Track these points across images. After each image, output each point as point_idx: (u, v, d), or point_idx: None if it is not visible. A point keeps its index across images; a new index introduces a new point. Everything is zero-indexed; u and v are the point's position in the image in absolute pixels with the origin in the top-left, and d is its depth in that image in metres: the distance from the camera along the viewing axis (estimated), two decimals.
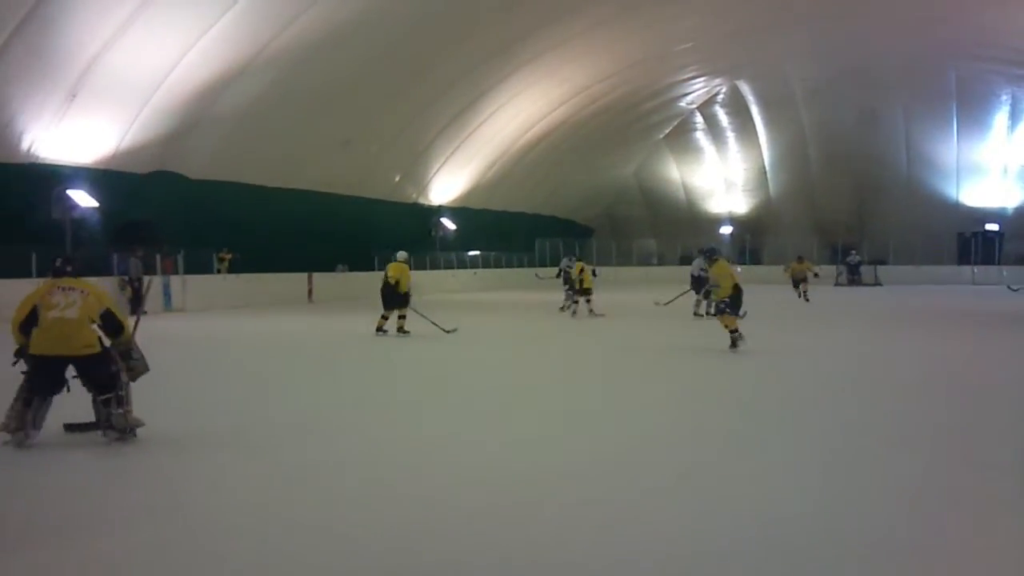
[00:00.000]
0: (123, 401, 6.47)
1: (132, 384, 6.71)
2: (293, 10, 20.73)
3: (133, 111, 20.90)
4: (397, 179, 32.35)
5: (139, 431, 6.54)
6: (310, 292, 26.95)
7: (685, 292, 19.78)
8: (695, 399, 8.95)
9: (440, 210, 35.61)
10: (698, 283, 17.85)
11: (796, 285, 26.69)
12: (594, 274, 19.94)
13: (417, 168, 33.03)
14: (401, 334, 14.70)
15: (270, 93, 23.10)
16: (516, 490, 5.38)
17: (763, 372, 10.91)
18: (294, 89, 23.57)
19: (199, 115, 22.31)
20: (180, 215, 23.20)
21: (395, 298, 14.65)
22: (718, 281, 12.40)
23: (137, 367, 6.86)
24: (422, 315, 15.09)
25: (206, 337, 15.98)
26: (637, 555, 4.23)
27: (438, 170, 33.86)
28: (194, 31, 19.73)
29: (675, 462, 6.17)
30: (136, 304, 19.26)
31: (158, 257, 22.33)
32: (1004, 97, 37.58)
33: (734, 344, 12.18)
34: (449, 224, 35.74)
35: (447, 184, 35.15)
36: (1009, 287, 20.76)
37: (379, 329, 14.82)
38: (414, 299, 15.12)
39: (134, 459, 6.23)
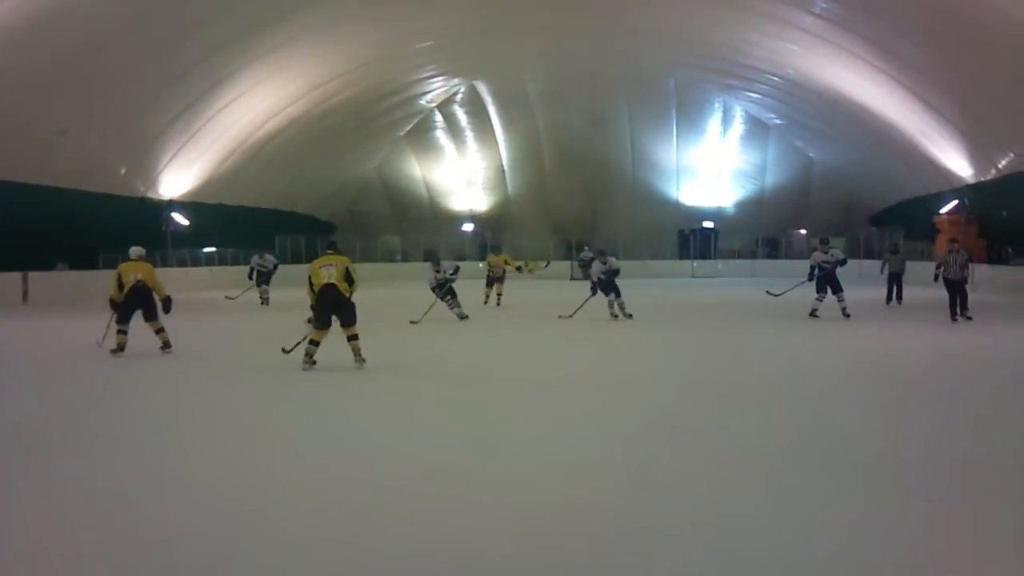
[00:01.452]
0: None
1: None
2: None
3: None
4: (123, 172, 30.39)
5: None
6: (25, 293, 24.85)
7: (800, 284, 19.35)
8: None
9: (171, 204, 33.82)
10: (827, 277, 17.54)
11: (489, 284, 23.24)
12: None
13: (145, 161, 31.13)
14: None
15: None
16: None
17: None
18: (5, 72, 21.55)
19: None
20: None
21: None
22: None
23: None
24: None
25: None
26: None
27: (168, 163, 32.10)
28: None
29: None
30: None
31: None
32: (717, 104, 40.75)
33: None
34: (181, 219, 34.04)
35: (178, 178, 33.37)
36: (769, 292, 21.28)
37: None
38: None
39: None
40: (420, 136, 45.08)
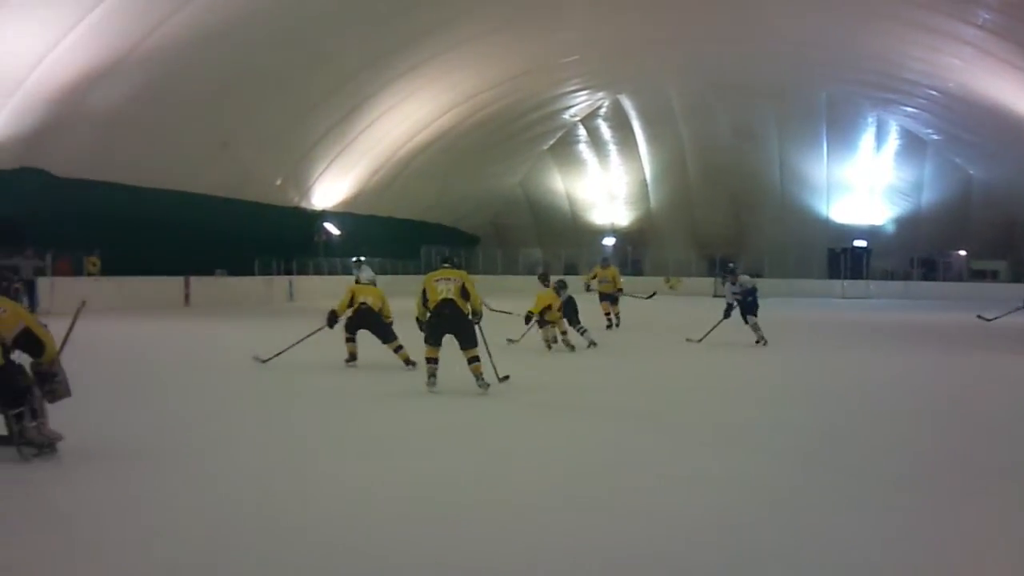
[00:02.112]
0: (36, 413, 5.96)
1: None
2: (169, 6, 20.13)
3: None
4: (278, 182, 31.71)
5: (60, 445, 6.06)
6: (187, 296, 26.19)
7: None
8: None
9: (323, 215, 35.08)
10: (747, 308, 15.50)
11: (604, 300, 19.92)
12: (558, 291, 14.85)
13: (300, 172, 32.44)
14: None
15: (145, 91, 22.36)
16: None
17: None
18: (171, 87, 22.88)
19: (68, 111, 21.42)
20: (47, 214, 22.25)
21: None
22: None
23: (57, 390, 6.27)
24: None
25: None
26: None
27: (321, 174, 33.33)
28: (62, 26, 18.97)
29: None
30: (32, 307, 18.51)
31: (48, 257, 21.60)
32: (870, 118, 39.33)
33: None
34: (333, 229, 35.25)
35: (331, 189, 34.63)
36: (981, 316, 18.83)
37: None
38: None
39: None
40: (563, 150, 45.26)
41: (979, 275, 40.81)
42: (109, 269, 24.08)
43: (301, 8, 22.62)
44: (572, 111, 41.60)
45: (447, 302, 9.76)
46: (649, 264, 44.38)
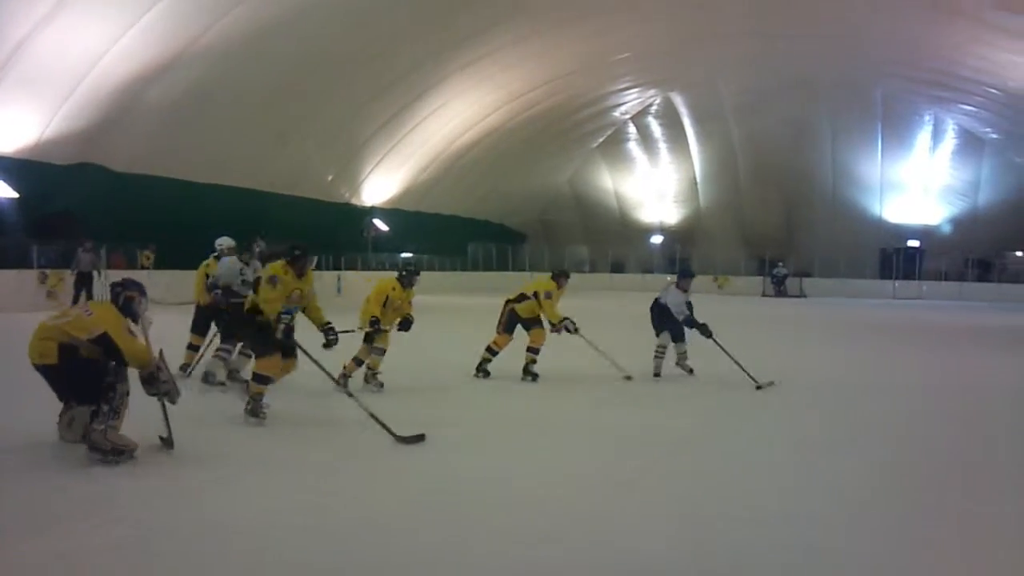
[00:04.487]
0: (108, 416, 5.69)
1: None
2: (226, 2, 20.41)
3: (57, 101, 20.37)
4: (330, 178, 32.05)
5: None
6: None
7: None
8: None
9: (372, 211, 35.36)
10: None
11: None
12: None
13: (350, 168, 32.76)
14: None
15: (200, 88, 22.69)
16: None
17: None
18: (225, 84, 23.19)
19: (126, 107, 21.80)
20: (104, 209, 22.68)
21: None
22: None
23: (169, 392, 6.12)
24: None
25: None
26: None
27: (372, 171, 33.62)
28: (122, 22, 19.29)
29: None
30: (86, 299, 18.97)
31: (103, 250, 21.98)
32: (927, 117, 38.64)
33: None
34: (382, 225, 35.50)
35: (380, 185, 34.91)
36: None
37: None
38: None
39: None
40: (613, 148, 45.13)
41: None
42: (162, 263, 24.48)
43: (355, 7, 22.81)
44: (622, 109, 41.44)
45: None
46: (697, 263, 44.02)
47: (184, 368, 9.48)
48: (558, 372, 10.52)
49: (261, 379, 7.36)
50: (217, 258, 10.09)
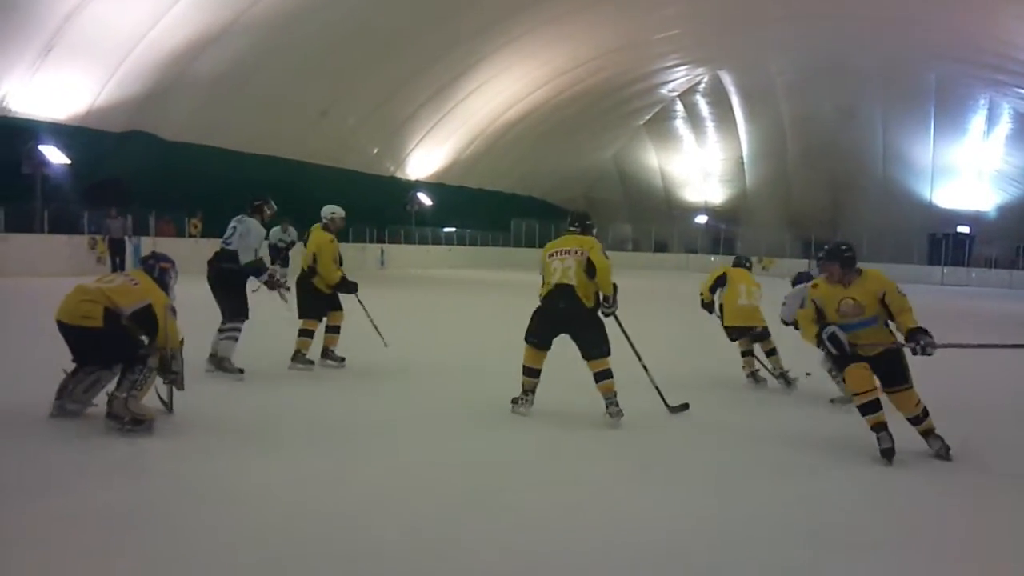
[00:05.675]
0: (134, 385, 5.66)
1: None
2: None
3: (109, 69, 20.70)
4: (375, 152, 32.22)
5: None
6: None
7: None
8: None
9: (416, 185, 35.50)
10: None
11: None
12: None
13: (395, 142, 32.91)
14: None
15: (248, 59, 22.91)
16: None
17: None
18: (273, 56, 23.38)
19: (176, 77, 22.10)
20: (153, 176, 23.01)
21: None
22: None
23: (175, 380, 6.09)
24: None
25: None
26: None
27: (416, 145, 33.74)
28: None
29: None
30: (119, 266, 19.37)
31: (152, 218, 22.38)
32: (982, 101, 37.90)
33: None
34: (425, 199, 35.64)
35: (425, 159, 35.04)
36: None
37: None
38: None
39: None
40: (659, 126, 44.79)
41: None
42: (210, 232, 24.80)
43: None
44: (670, 86, 41.09)
45: (563, 288, 6.47)
46: (742, 244, 43.68)
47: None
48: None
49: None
50: (325, 228, 8.53)
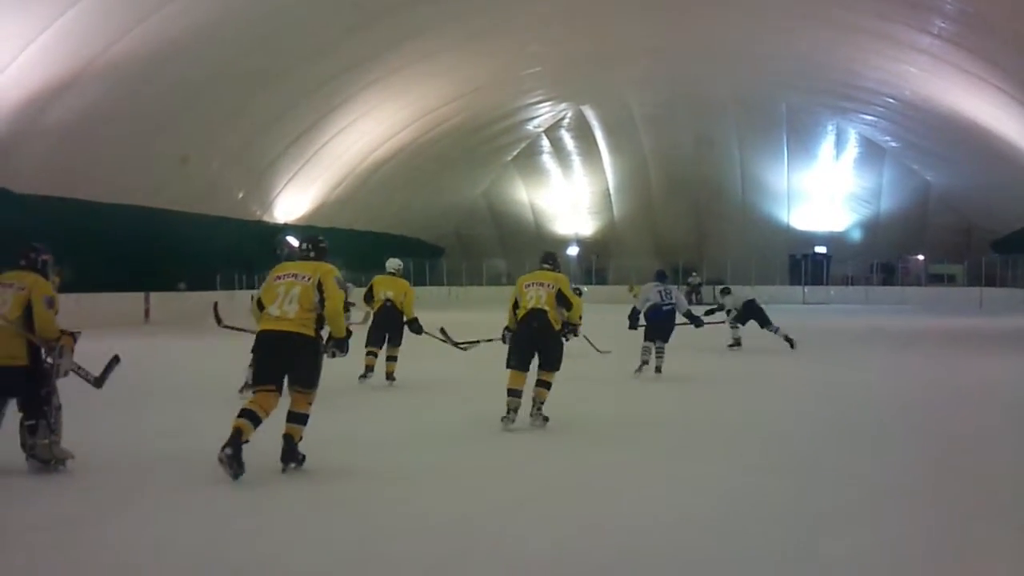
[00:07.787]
0: (52, 429, 5.81)
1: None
2: (128, 20, 19.94)
3: None
4: (240, 196, 31.54)
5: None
6: (147, 312, 25.91)
7: None
8: None
9: (285, 228, 34.89)
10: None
11: None
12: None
13: (262, 185, 32.30)
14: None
15: (103, 105, 22.06)
16: None
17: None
18: (130, 102, 22.59)
19: (26, 127, 21.11)
20: (6, 230, 21.89)
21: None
22: None
23: (58, 368, 6.01)
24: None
25: None
26: None
27: (283, 187, 33.21)
28: (21, 39, 18.72)
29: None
30: None
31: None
32: (830, 127, 39.94)
33: None
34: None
35: (293, 201, 34.50)
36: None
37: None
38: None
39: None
40: (527, 161, 45.43)
41: (937, 279, 41.65)
42: (68, 286, 23.72)
43: (261, 24, 22.48)
44: (535, 122, 41.78)
45: (537, 313, 7.93)
46: (613, 273, 44.59)
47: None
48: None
49: None
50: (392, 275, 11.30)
